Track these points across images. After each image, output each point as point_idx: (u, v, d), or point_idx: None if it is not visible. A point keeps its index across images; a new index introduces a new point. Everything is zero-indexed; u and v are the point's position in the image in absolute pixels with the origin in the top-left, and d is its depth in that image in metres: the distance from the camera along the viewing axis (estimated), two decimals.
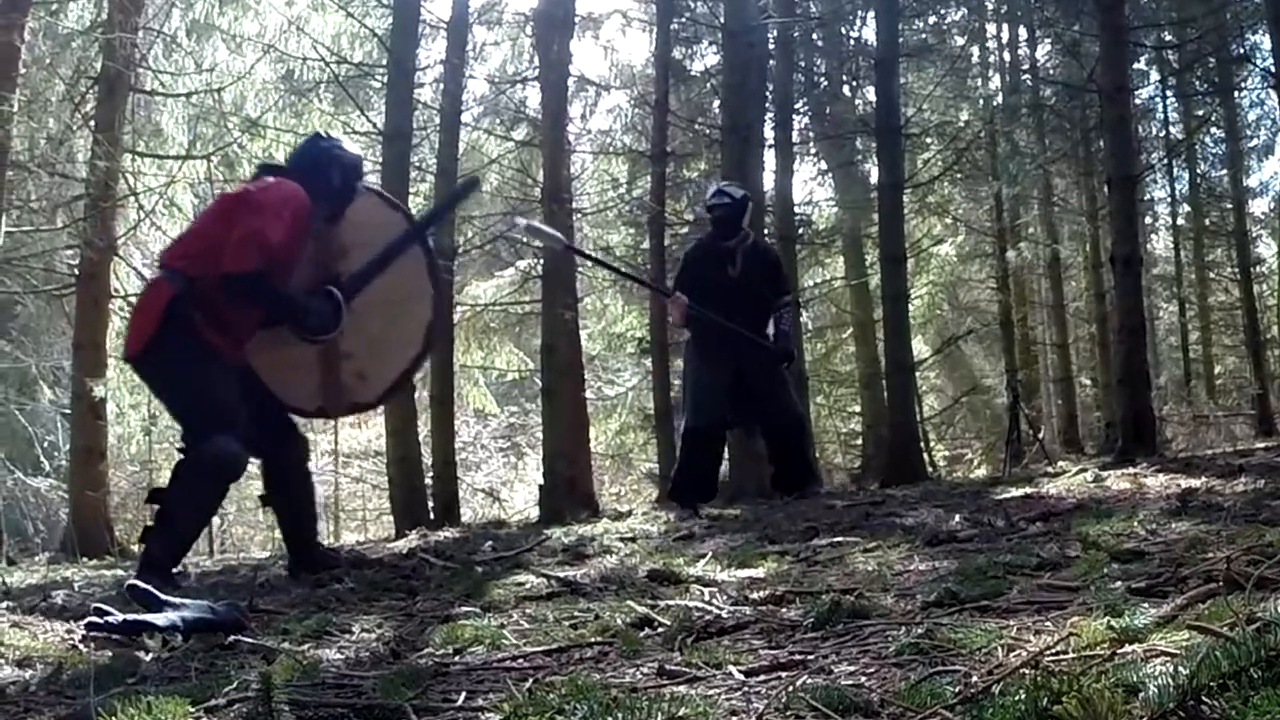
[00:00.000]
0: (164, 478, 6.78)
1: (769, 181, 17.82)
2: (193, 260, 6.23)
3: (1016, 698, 2.04)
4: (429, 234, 7.53)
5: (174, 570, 6.02)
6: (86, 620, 4.18)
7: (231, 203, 6.47)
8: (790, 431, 10.07)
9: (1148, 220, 27.38)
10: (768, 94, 18.11)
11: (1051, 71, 24.26)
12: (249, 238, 6.07)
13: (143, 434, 20.51)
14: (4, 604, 5.35)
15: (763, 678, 2.74)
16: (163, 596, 4.34)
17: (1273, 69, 14.71)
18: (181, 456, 6.20)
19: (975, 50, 25.33)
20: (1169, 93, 25.22)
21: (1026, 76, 25.04)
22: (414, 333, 7.15)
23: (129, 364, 6.70)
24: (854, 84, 21.56)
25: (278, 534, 7.78)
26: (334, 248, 6.80)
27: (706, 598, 4.13)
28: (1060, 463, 15.41)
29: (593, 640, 3.50)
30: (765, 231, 16.65)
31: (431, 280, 7.23)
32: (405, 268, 7.01)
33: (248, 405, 6.33)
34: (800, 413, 10.93)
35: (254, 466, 6.77)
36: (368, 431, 25.33)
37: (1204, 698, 1.95)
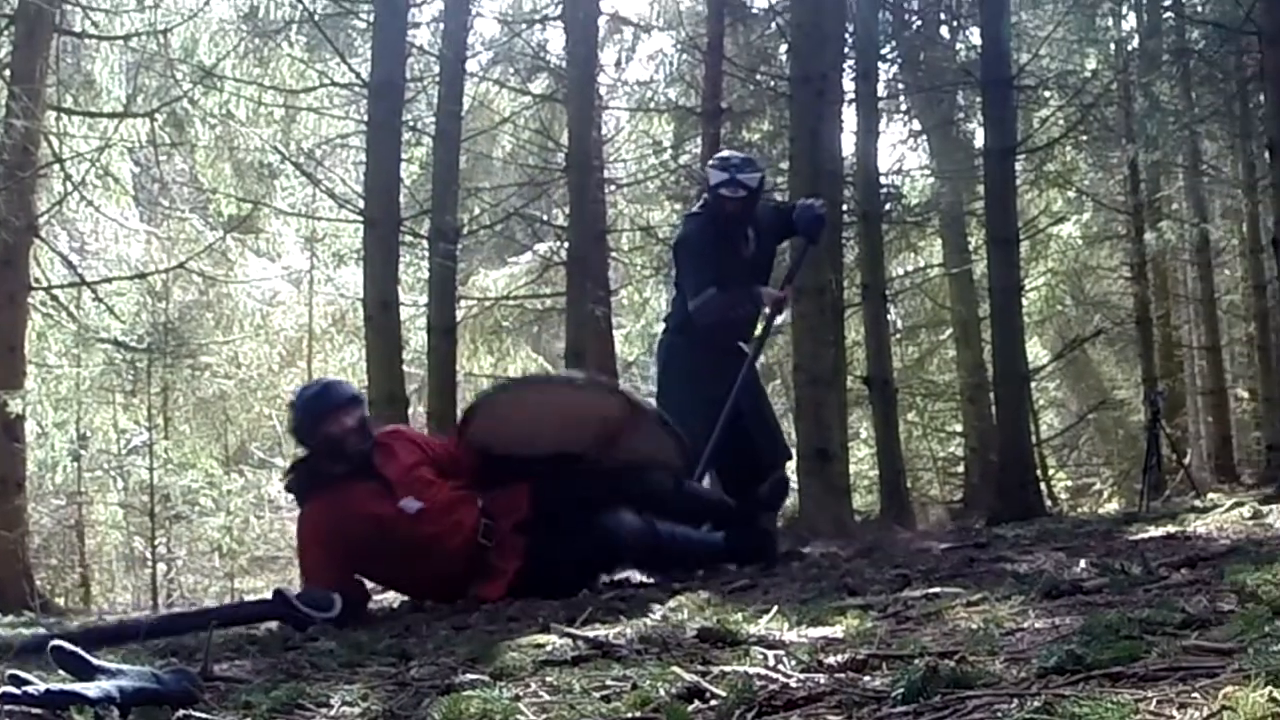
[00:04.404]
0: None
1: (849, 145, 17.86)
2: None
3: None
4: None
5: None
6: (0, 691, 4.08)
7: None
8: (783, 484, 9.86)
9: None
10: (847, 37, 18.11)
11: (1199, 8, 23.62)
12: None
13: (70, 459, 20.51)
14: None
15: None
16: (95, 662, 4.27)
17: None
18: None
19: None
20: None
21: (1169, 15, 24.63)
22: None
23: None
24: (954, 24, 21.61)
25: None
26: None
27: (771, 663, 4.05)
28: (1210, 495, 15.47)
29: (630, 715, 3.48)
30: (844, 208, 16.68)
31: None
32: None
33: None
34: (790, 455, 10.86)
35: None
36: None
37: None
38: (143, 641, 6.33)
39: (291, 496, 8.04)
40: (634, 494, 8.04)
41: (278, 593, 6.98)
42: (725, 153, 10.84)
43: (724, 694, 3.50)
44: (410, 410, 14.81)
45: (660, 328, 10.76)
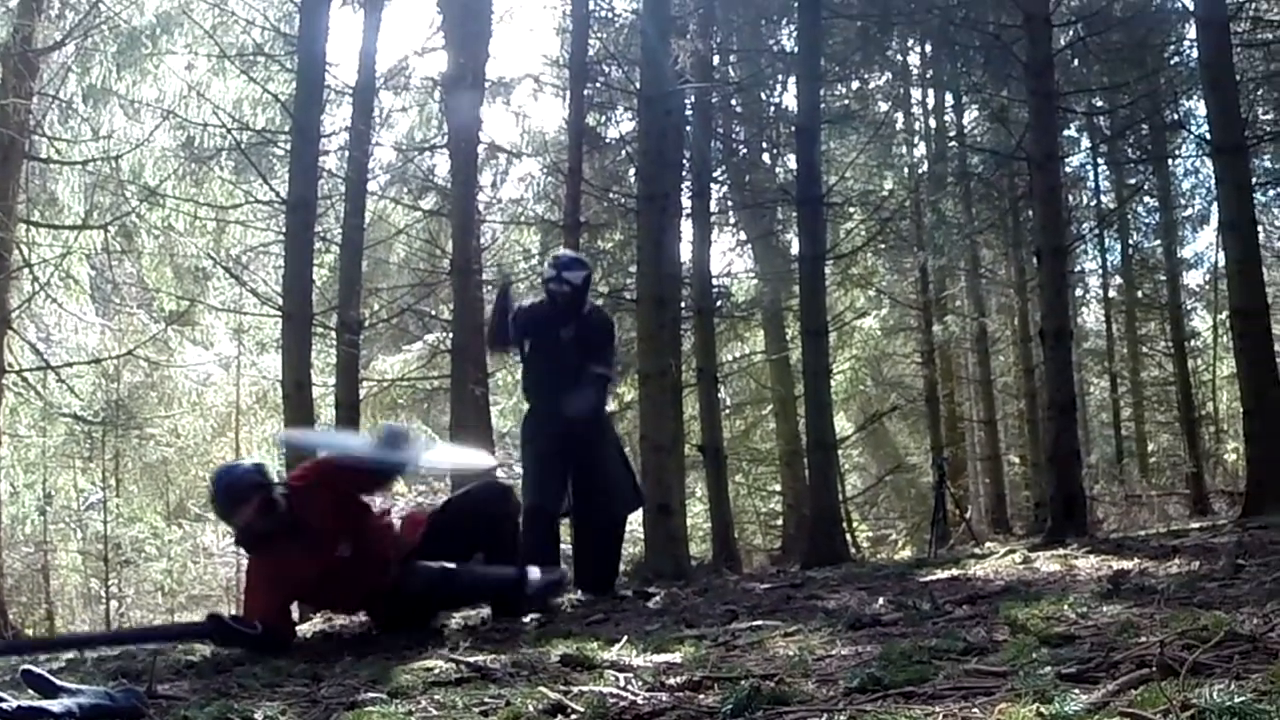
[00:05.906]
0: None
1: (686, 252, 18.00)
2: None
3: None
4: None
5: None
6: None
7: None
8: (614, 529, 9.72)
9: (1078, 293, 27.74)
10: (685, 162, 18.39)
11: (979, 139, 24.29)
12: None
13: (38, 514, 20.47)
14: None
15: None
16: (58, 683, 4.28)
17: (1207, 136, 14.66)
18: None
19: (900, 117, 25.66)
20: (1100, 160, 25.69)
21: (953, 144, 25.22)
22: None
23: None
24: (774, 152, 21.89)
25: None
26: None
27: (621, 684, 4.08)
28: (988, 544, 15.65)
29: None
30: (682, 304, 16.76)
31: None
32: None
33: None
34: (627, 513, 10.33)
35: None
36: None
37: None
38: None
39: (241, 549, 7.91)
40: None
41: (213, 615, 6.85)
42: (559, 252, 10.74)
43: (583, 710, 3.55)
44: None
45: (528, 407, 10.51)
